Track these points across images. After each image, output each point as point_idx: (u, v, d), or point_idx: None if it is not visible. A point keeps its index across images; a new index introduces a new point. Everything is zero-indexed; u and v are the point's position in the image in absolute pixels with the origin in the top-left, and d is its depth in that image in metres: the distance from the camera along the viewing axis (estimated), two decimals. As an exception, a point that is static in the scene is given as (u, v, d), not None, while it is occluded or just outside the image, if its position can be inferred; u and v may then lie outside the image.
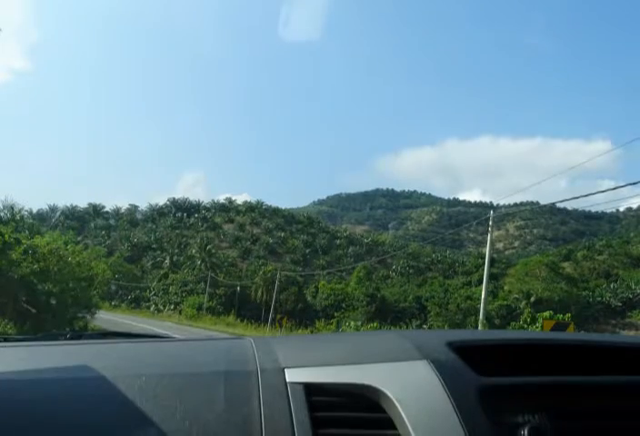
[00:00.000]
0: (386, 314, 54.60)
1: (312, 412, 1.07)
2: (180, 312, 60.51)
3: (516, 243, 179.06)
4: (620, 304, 55.62)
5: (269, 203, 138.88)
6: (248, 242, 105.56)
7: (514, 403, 1.14)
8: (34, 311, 20.32)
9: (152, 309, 67.68)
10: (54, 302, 21.56)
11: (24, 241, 21.57)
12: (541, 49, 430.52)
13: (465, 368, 1.18)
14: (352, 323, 39.69)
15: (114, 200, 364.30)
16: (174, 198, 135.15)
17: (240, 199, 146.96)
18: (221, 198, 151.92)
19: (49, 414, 1.04)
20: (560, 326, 20.13)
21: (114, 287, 65.48)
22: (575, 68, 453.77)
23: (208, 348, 1.45)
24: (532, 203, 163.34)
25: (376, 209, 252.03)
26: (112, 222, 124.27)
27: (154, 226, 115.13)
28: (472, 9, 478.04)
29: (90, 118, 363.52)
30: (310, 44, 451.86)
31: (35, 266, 21.11)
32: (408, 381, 1.14)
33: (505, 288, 59.18)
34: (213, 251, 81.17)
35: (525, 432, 1.06)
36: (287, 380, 1.14)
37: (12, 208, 30.78)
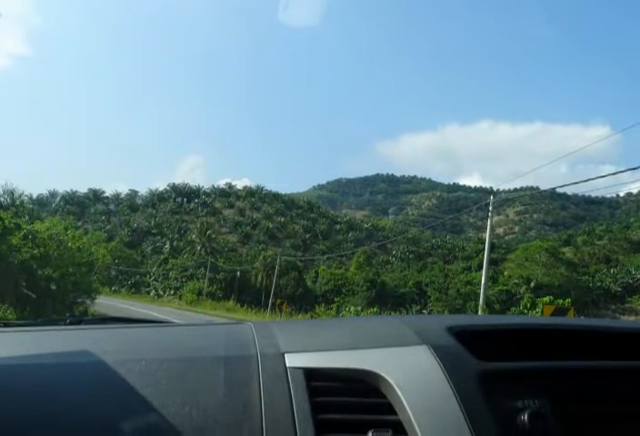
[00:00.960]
0: (386, 299, 54.73)
1: (312, 397, 1.06)
2: (180, 298, 60.69)
3: (516, 229, 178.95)
4: (620, 289, 55.65)
5: (269, 188, 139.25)
6: (248, 228, 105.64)
7: (513, 388, 1.12)
8: (34, 296, 20.31)
9: (152, 294, 67.83)
10: (54, 287, 21.57)
11: (24, 226, 21.51)
12: (541, 34, 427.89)
13: (465, 353, 1.18)
14: (352, 308, 39.67)
15: (114, 185, 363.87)
16: (174, 183, 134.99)
17: (240, 184, 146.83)
18: (221, 183, 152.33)
19: (49, 399, 1.03)
20: (560, 311, 20.20)
21: (114, 272, 65.76)
22: (575, 53, 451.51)
23: (208, 333, 1.44)
24: (532, 188, 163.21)
25: (376, 194, 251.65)
26: (112, 207, 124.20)
27: (154, 211, 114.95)
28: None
29: (90, 103, 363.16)
30: (310, 29, 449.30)
31: (35, 251, 21.08)
32: (408, 367, 1.13)
33: (505, 273, 59.18)
34: (213, 236, 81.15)
35: (525, 417, 1.05)
36: (287, 364, 1.13)
37: (12, 193, 30.88)
